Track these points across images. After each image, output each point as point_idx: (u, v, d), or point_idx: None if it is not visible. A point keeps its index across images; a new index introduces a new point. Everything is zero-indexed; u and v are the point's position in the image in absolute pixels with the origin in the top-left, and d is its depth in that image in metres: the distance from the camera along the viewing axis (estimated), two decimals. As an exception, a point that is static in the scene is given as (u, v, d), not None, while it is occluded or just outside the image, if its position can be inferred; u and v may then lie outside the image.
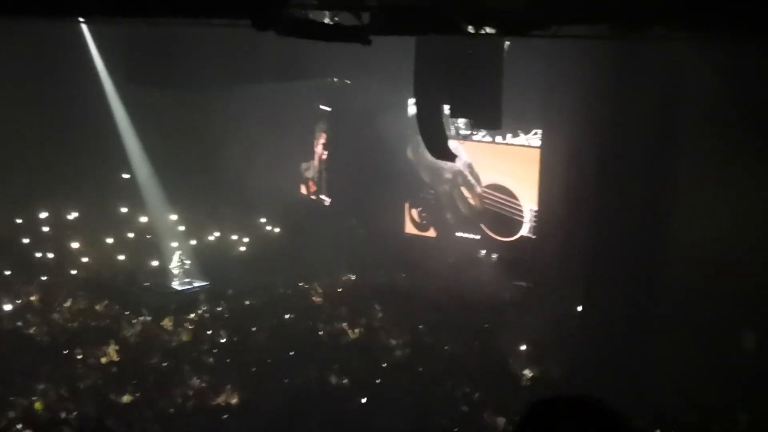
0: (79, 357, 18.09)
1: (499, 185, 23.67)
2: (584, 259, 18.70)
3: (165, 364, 17.98)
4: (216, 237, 26.26)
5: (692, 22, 11.59)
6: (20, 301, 21.00)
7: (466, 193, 24.58)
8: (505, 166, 23.32)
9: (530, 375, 18.09)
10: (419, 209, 25.78)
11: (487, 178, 23.99)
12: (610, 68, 16.48)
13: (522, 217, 23.25)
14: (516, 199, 23.35)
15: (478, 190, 24.27)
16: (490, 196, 23.92)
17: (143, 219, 26.43)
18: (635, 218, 16.92)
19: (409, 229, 25.96)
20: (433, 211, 25.56)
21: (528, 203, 23.02)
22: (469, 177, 24.30)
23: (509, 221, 23.51)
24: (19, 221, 26.33)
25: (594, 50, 16.12)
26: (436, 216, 25.47)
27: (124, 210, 27.09)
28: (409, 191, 25.72)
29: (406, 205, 25.88)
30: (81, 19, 18.07)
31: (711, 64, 15.07)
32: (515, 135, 22.68)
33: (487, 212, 24.07)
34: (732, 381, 15.44)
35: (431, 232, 25.58)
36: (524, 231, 23.27)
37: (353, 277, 23.77)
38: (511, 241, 23.55)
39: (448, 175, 24.65)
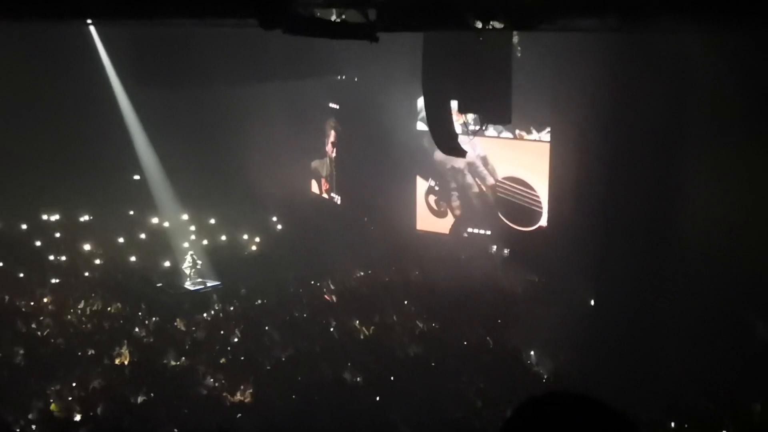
0: (93, 358, 18.16)
1: (516, 177, 23.69)
2: (596, 252, 18.65)
3: (179, 364, 18.04)
4: (227, 237, 26.34)
5: (701, 13, 11.54)
6: (34, 303, 21.11)
7: (480, 187, 24.57)
8: (519, 158, 23.38)
9: (544, 369, 18.05)
10: (436, 198, 25.73)
11: (503, 171, 23.98)
12: (619, 60, 16.42)
13: (540, 207, 23.27)
14: (533, 190, 23.36)
15: (491, 181, 24.25)
16: (509, 188, 23.91)
17: (155, 220, 26.55)
18: (646, 211, 16.88)
19: (421, 225, 25.95)
20: (447, 204, 25.57)
21: (545, 193, 23.06)
22: (483, 169, 24.28)
23: (528, 212, 23.52)
24: (31, 224, 26.50)
25: (603, 42, 16.08)
26: (450, 209, 25.48)
27: (135, 211, 27.21)
28: (420, 185, 25.75)
29: (421, 197, 25.83)
30: (89, 22, 18.13)
31: (721, 56, 14.99)
32: (528, 132, 22.71)
33: (505, 203, 24.04)
34: (745, 370, 15.39)
35: (443, 228, 25.57)
36: (543, 221, 23.29)
37: (365, 274, 23.80)
38: (527, 232, 23.53)
39: (461, 167, 24.60)
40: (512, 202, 23.94)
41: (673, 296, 16.92)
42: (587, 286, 19.28)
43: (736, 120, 15.33)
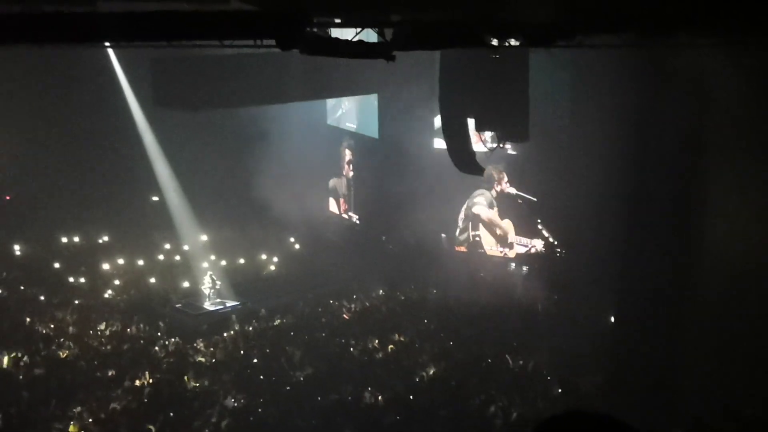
0: (113, 380, 18.18)
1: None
2: (616, 269, 18.53)
3: (198, 385, 18.03)
4: (246, 257, 26.39)
5: (718, 28, 11.49)
6: (54, 325, 21.18)
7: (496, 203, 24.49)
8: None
9: (565, 386, 17.92)
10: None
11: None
12: (636, 76, 16.37)
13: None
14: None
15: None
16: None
17: (174, 241, 26.64)
18: (667, 227, 16.75)
19: (439, 243, 25.86)
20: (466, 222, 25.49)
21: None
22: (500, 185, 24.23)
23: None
24: (51, 246, 26.63)
25: (620, 58, 16.04)
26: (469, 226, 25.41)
27: (154, 232, 27.32)
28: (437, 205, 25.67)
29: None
30: (107, 45, 18.27)
31: (738, 70, 14.91)
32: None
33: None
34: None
35: (462, 246, 25.47)
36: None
37: (384, 293, 23.76)
38: (545, 250, 23.41)
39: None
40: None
41: (695, 313, 16.75)
42: (607, 302, 19.15)
43: (757, 134, 15.22)
